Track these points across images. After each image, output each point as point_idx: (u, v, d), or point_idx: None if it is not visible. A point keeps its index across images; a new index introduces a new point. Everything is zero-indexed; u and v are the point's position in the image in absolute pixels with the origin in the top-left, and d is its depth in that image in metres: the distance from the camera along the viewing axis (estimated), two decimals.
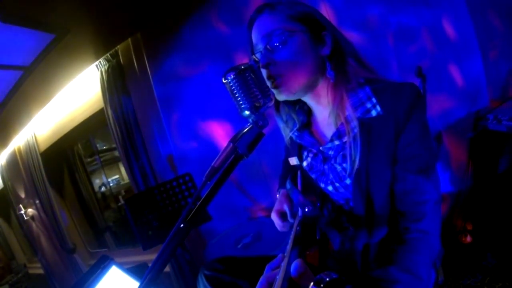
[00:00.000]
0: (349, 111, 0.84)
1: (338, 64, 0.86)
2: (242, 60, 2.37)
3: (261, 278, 0.63)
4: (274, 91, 0.86)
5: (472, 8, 2.16)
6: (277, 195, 1.18)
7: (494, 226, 2.07)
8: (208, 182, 0.66)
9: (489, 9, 2.33)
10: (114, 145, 3.71)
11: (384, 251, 0.83)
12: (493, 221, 2.08)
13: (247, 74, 0.69)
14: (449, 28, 2.22)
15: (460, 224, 2.20)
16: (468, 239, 2.15)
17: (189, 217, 0.63)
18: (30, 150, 4.03)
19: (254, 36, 0.89)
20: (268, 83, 0.84)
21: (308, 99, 0.94)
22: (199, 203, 0.65)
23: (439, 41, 2.23)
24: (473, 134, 2.17)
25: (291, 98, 0.90)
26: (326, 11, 2.27)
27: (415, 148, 0.80)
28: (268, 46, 0.85)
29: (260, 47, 0.87)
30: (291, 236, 0.78)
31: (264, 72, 0.85)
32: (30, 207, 4.63)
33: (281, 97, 0.88)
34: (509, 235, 1.93)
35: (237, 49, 2.49)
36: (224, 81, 0.71)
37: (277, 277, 0.59)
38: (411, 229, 0.78)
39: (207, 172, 0.66)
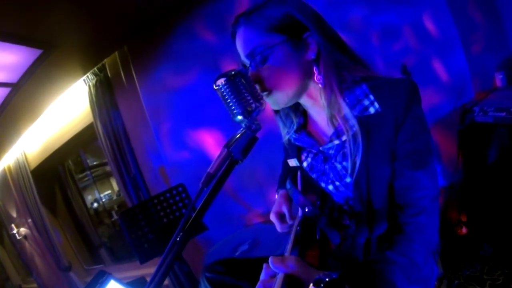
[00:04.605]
0: (346, 110, 0.83)
1: (326, 66, 0.85)
2: (229, 67, 2.37)
3: (258, 284, 0.64)
4: (267, 101, 0.86)
5: (451, 3, 2.21)
6: (276, 196, 1.18)
7: (488, 216, 2.09)
8: (205, 189, 0.66)
9: (469, 3, 2.38)
10: (105, 160, 3.68)
11: (383, 243, 0.84)
12: (487, 211, 2.11)
13: (237, 79, 0.70)
14: (430, 25, 2.27)
15: (455, 216, 2.23)
16: (464, 230, 2.17)
17: (187, 226, 0.63)
18: (20, 168, 3.97)
19: (239, 52, 0.89)
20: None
21: (303, 101, 0.94)
22: (195, 212, 0.65)
23: (422, 38, 2.28)
24: (461, 127, 2.21)
25: (284, 106, 0.91)
26: None
27: (414, 144, 0.80)
28: (253, 64, 0.85)
29: (246, 62, 0.88)
30: (291, 236, 0.79)
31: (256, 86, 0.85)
32: (23, 227, 4.55)
33: (274, 107, 0.90)
34: (503, 223, 1.96)
35: (223, 56, 2.50)
36: (215, 88, 0.71)
37: (277, 276, 0.60)
38: (409, 222, 0.79)
39: (202, 179, 0.66)
